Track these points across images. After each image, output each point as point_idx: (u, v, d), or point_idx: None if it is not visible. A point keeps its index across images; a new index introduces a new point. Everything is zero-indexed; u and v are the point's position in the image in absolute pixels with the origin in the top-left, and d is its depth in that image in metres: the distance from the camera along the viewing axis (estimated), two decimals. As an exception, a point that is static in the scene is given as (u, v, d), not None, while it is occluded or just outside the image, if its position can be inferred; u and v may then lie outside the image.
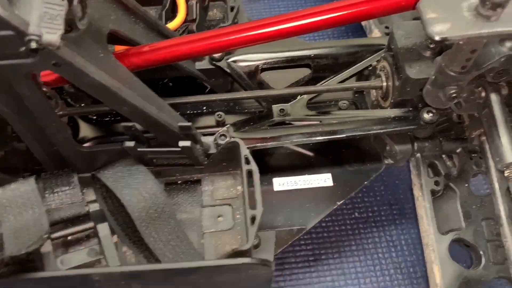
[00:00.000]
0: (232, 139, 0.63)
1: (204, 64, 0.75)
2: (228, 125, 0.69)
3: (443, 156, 0.72)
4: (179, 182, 0.68)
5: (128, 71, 0.59)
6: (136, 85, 0.59)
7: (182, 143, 0.58)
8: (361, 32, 0.94)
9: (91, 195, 0.65)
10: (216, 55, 0.74)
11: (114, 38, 0.64)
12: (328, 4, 0.61)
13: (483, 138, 0.66)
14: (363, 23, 0.90)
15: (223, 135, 0.67)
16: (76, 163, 0.64)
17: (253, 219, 0.57)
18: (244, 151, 0.61)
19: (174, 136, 0.61)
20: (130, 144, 0.59)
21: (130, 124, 0.58)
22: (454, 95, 0.54)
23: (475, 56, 0.50)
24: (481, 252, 0.65)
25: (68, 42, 0.49)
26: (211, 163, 0.66)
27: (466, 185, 0.70)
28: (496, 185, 0.63)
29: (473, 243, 0.66)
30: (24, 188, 0.58)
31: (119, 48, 0.68)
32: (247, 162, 0.61)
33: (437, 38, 0.44)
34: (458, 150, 0.72)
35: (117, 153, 0.64)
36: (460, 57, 0.50)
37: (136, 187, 0.60)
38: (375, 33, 0.86)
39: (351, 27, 1.09)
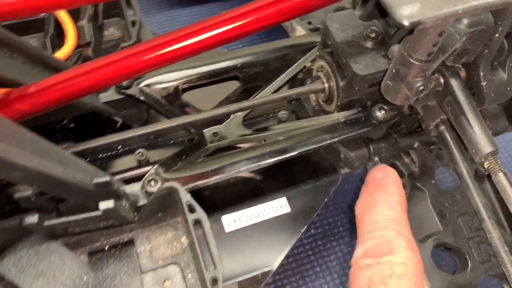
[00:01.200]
0: (167, 184, 0.50)
1: (110, 95, 0.61)
2: (155, 166, 0.56)
3: (402, 154, 0.65)
4: (106, 248, 0.54)
5: (12, 123, 0.43)
6: (25, 140, 0.44)
7: (103, 205, 0.45)
8: (280, 34, 0.86)
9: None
10: (124, 82, 0.60)
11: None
12: (253, 3, 0.51)
13: (442, 127, 0.60)
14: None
15: (153, 179, 0.54)
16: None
17: (214, 282, 0.45)
18: (185, 196, 0.49)
19: (89, 196, 0.47)
20: (33, 219, 0.44)
21: (25, 194, 0.43)
22: (422, 87, 0.47)
23: (442, 39, 0.42)
24: (465, 253, 0.59)
25: None
26: (142, 218, 0.52)
27: (433, 181, 0.63)
28: (467, 178, 0.57)
29: (455, 245, 0.59)
30: None
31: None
32: (192, 210, 0.49)
33: (407, 23, 0.35)
34: (415, 145, 0.66)
35: (16, 230, 0.49)
36: (426, 43, 0.42)
37: (51, 274, 0.45)
38: (299, 31, 0.77)
39: (273, 29, 1.01)
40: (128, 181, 0.54)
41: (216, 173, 0.55)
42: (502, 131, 0.69)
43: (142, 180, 0.53)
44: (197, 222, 0.49)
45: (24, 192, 0.43)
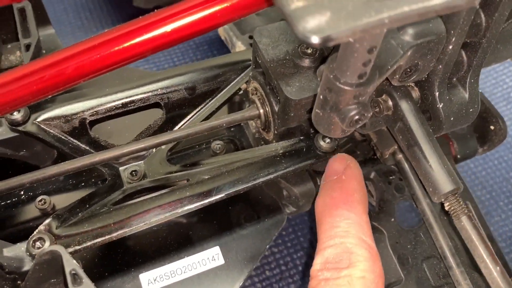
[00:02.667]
0: (48, 248, 0.40)
1: (3, 132, 0.51)
2: (47, 220, 0.45)
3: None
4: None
5: None
6: None
7: None
8: (222, 51, 0.76)
9: None
10: (17, 117, 0.50)
11: None
12: (171, 7, 0.41)
13: (399, 156, 0.51)
14: (222, 36, 0.72)
15: (40, 238, 0.43)
16: None
17: None
18: (70, 264, 0.39)
19: None
20: None
21: None
22: (357, 117, 0.37)
23: (374, 57, 0.33)
24: (432, 307, 0.49)
25: None
26: (29, 287, 0.42)
27: (392, 219, 0.53)
28: (430, 216, 0.48)
29: (420, 297, 0.49)
30: None
31: None
32: (77, 281, 0.38)
33: (315, 40, 0.26)
34: (371, 175, 0.56)
35: None
36: (354, 62, 0.33)
37: None
38: (239, 47, 0.68)
39: (214, 44, 0.91)
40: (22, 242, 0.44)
41: (121, 227, 0.45)
42: (472, 155, 0.60)
43: (28, 240, 0.43)
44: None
45: None
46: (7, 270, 0.41)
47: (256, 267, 0.73)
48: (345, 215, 0.44)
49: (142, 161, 0.54)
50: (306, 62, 0.48)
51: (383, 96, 0.44)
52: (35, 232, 0.44)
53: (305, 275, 0.74)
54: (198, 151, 0.59)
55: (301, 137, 0.52)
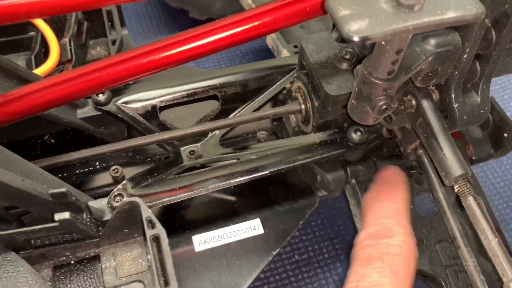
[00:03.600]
0: (129, 199, 0.50)
1: (88, 111, 0.62)
2: (124, 182, 0.55)
3: (380, 178, 0.64)
4: (72, 262, 0.53)
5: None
6: (-15, 149, 0.44)
7: (58, 216, 0.44)
8: (267, 57, 0.86)
9: None
10: (101, 98, 0.61)
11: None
12: (228, 18, 0.51)
13: (420, 151, 0.59)
14: (270, 45, 0.82)
15: (119, 194, 0.53)
16: None
17: (168, 299, 0.44)
18: (146, 212, 0.49)
19: (49, 208, 0.46)
20: None
21: None
22: (385, 107, 0.46)
23: (401, 58, 0.42)
24: (442, 282, 0.56)
25: None
26: (108, 233, 0.52)
27: (411, 207, 0.61)
28: (444, 203, 0.56)
29: (431, 272, 0.57)
30: None
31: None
32: (151, 225, 0.48)
33: (355, 38, 0.35)
34: (395, 169, 0.64)
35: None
36: (385, 61, 0.42)
37: (4, 285, 0.44)
38: (284, 54, 0.78)
39: (258, 53, 1.02)
40: (99, 198, 0.54)
41: (184, 191, 0.55)
42: (486, 158, 0.67)
43: (109, 195, 0.53)
44: (157, 239, 0.48)
45: None
46: (94, 216, 0.51)
47: (287, 251, 0.82)
48: (388, 205, 0.54)
49: (199, 144, 0.64)
50: (344, 66, 0.57)
51: (408, 96, 0.53)
52: (115, 189, 0.54)
53: (328, 262, 0.82)
54: (245, 139, 0.68)
55: (335, 130, 0.61)
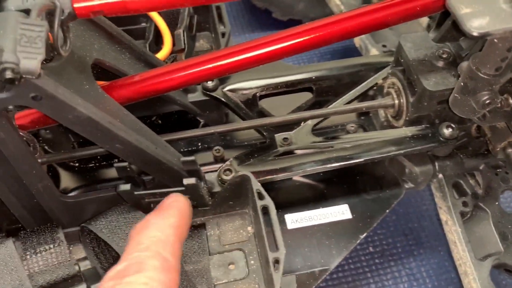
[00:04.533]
0: (241, 173, 0.55)
1: (197, 95, 0.68)
2: (230, 159, 0.61)
3: (466, 174, 0.66)
4: (181, 227, 0.60)
5: (118, 104, 0.51)
6: (128, 119, 0.51)
7: (187, 181, 0.51)
8: (355, 55, 0.90)
9: (80, 252, 0.55)
10: (210, 85, 0.67)
11: (98, 72, 0.57)
12: (346, 13, 0.56)
13: (510, 150, 0.61)
14: (357, 43, 0.86)
15: (228, 169, 0.59)
16: (60, 216, 0.55)
17: (276, 262, 0.49)
18: (256, 185, 0.54)
19: (175, 175, 0.53)
20: (126, 187, 0.51)
21: (123, 164, 0.50)
22: (488, 101, 0.49)
23: (511, 55, 0.45)
24: (526, 277, 0.58)
25: (49, 71, 0.42)
26: (215, 204, 0.58)
27: (497, 203, 0.64)
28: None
29: (516, 267, 0.59)
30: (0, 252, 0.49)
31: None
32: (261, 197, 0.54)
33: (476, 33, 0.39)
34: (481, 167, 0.67)
35: (108, 201, 0.56)
36: (495, 57, 0.45)
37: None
38: (373, 53, 0.82)
39: (340, 52, 1.06)
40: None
41: (284, 171, 0.60)
42: None
43: (218, 170, 0.59)
44: (264, 210, 0.54)
45: (122, 162, 0.50)
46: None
47: (361, 242, 0.85)
48: (151, 234, 0.44)
49: (292, 132, 0.69)
50: (441, 64, 0.60)
51: (505, 95, 0.55)
52: (223, 165, 0.60)
53: (402, 257, 0.85)
54: (335, 130, 0.73)
55: (427, 125, 0.64)
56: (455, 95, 0.52)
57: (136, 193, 0.52)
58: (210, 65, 0.57)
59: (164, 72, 0.56)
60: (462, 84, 0.50)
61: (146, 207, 0.55)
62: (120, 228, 0.52)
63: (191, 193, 0.53)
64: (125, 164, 0.50)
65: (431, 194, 0.68)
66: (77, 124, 0.45)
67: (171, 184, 0.54)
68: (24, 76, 0.38)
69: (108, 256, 0.54)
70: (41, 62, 0.38)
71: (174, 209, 0.49)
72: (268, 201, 0.53)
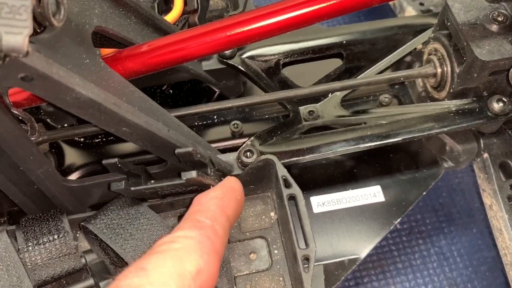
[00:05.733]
0: (264, 157, 0.49)
1: (212, 63, 0.61)
2: (251, 138, 0.55)
3: (515, 153, 0.59)
4: (196, 213, 0.54)
5: (124, 80, 0.45)
6: (135, 98, 0.45)
7: (185, 175, 0.44)
8: (382, 15, 0.81)
9: (86, 242, 0.50)
10: (227, 52, 0.60)
11: (100, 38, 0.50)
12: None
13: None
14: (391, 1, 0.76)
15: (249, 151, 0.53)
16: (64, 201, 0.50)
17: (306, 260, 0.43)
18: (282, 171, 0.48)
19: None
20: (119, 185, 0.45)
21: (112, 160, 0.43)
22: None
23: None
24: None
25: (40, 46, 0.35)
26: (235, 188, 0.52)
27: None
28: None
29: None
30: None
31: (106, 52, 0.54)
32: (288, 185, 0.47)
33: None
34: (530, 145, 0.59)
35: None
36: None
37: (139, 237, 0.46)
38: (409, 12, 0.73)
39: (369, 11, 0.96)
40: (221, 151, 0.54)
41: (312, 152, 0.53)
42: None
43: (238, 151, 0.53)
44: (291, 198, 0.48)
45: (111, 159, 0.44)
46: (216, 167, 0.50)
47: (388, 218, 0.80)
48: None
49: (318, 104, 0.62)
50: (495, 28, 0.52)
51: None
52: (243, 145, 0.54)
53: (431, 234, 0.80)
54: (366, 102, 0.65)
55: (474, 98, 0.56)
56: (519, 68, 0.44)
57: (133, 189, 0.46)
58: (230, 32, 0.49)
59: (176, 41, 0.49)
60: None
61: (152, 196, 0.50)
62: (122, 226, 0.46)
63: (195, 184, 0.47)
64: (115, 160, 0.44)
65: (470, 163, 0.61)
66: (76, 106, 0.38)
67: (184, 168, 0.48)
68: (8, 54, 0.31)
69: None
70: (28, 37, 0.31)
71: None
72: (296, 190, 0.47)
